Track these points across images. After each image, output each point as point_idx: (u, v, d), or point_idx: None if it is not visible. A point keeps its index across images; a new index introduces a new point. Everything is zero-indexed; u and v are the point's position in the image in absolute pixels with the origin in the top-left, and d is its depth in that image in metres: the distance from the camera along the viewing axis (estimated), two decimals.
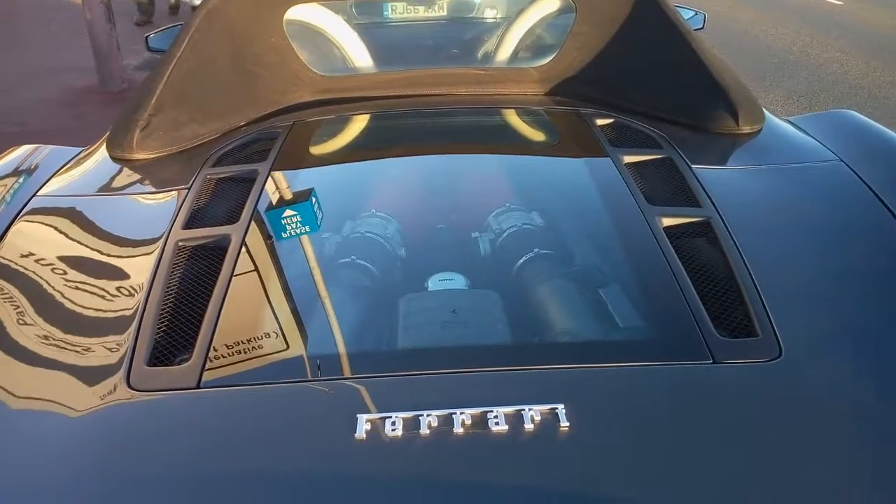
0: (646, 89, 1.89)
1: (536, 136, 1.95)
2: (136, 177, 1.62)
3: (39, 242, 1.34)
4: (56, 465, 0.89)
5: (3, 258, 1.28)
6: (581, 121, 1.80)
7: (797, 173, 1.51)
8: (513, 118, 1.96)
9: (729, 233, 1.26)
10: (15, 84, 5.35)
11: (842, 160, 1.52)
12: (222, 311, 1.11)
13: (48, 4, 7.74)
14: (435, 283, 1.26)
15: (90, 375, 1.02)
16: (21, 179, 1.56)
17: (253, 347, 1.08)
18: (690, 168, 1.49)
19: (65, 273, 1.25)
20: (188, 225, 1.34)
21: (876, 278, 1.20)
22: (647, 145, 1.64)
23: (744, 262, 1.19)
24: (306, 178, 1.62)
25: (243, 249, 1.25)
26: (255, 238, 1.31)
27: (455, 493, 0.83)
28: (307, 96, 2.00)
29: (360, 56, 2.14)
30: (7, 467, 0.89)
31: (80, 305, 1.17)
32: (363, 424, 0.88)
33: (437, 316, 1.17)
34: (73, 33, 6.19)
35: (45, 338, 1.10)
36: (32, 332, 1.11)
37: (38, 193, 1.50)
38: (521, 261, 1.31)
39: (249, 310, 1.18)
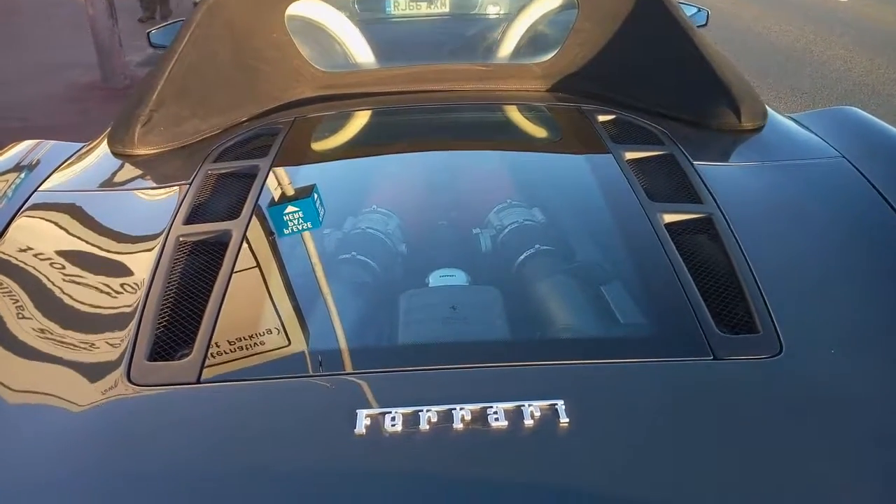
0: (648, 85, 1.89)
1: (538, 132, 1.95)
2: (138, 172, 1.62)
3: (41, 237, 1.35)
4: (57, 460, 0.89)
5: (5, 253, 1.28)
6: (583, 117, 1.79)
7: (799, 170, 1.51)
8: (515, 114, 1.96)
9: (730, 229, 1.26)
10: (18, 80, 5.36)
11: (844, 157, 1.51)
12: (223, 307, 1.11)
13: (50, 0, 7.75)
14: (436, 279, 1.26)
15: (91, 370, 1.02)
16: (23, 174, 1.56)
17: (253, 343, 1.08)
18: (692, 164, 1.49)
19: (66, 268, 1.25)
20: (189, 220, 1.34)
21: (877, 275, 1.19)
22: (648, 142, 1.63)
23: (745, 258, 1.18)
24: (307, 174, 1.62)
25: (244, 245, 1.25)
26: (255, 234, 1.31)
27: (454, 488, 0.83)
28: (308, 92, 2.00)
29: (361, 52, 2.14)
30: (8, 461, 0.89)
31: (81, 300, 1.17)
32: (363, 420, 0.88)
33: (438, 312, 1.17)
34: (76, 29, 6.20)
35: (46, 332, 1.10)
36: (33, 327, 1.11)
37: (39, 188, 1.50)
38: (522, 257, 1.31)
39: (250, 305, 1.18)
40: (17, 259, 1.27)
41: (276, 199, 1.44)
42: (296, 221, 1.36)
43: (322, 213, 1.42)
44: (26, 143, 1.74)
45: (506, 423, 0.87)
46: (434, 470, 0.85)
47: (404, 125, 1.92)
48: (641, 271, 1.26)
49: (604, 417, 0.92)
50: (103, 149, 1.71)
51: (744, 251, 1.20)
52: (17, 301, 1.17)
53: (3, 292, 1.18)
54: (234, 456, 0.88)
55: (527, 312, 1.22)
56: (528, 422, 0.87)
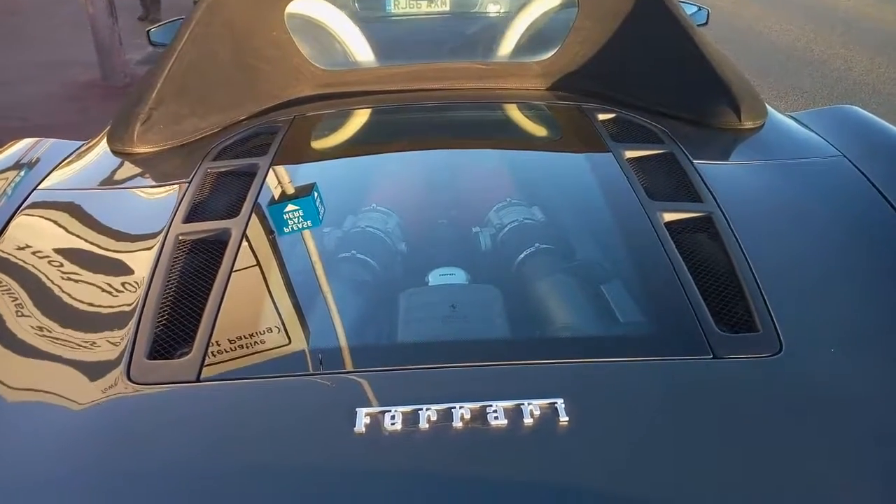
0: (648, 84, 1.89)
1: (538, 130, 1.95)
2: (137, 170, 1.62)
3: (40, 236, 1.35)
4: (56, 458, 0.89)
5: (4, 251, 1.28)
6: (583, 115, 1.79)
7: (799, 169, 1.51)
8: (514, 113, 1.96)
9: (730, 228, 1.26)
10: (17, 78, 5.36)
11: (844, 156, 1.51)
12: (222, 305, 1.11)
13: None
14: (435, 277, 1.26)
15: (90, 368, 1.02)
16: (22, 173, 1.56)
17: (253, 341, 1.08)
18: (692, 163, 1.49)
19: (65, 266, 1.25)
20: (188, 219, 1.34)
21: (877, 274, 1.19)
22: (648, 140, 1.63)
23: (745, 257, 1.18)
24: (307, 172, 1.62)
25: (243, 243, 1.25)
26: (255, 232, 1.31)
27: (454, 487, 0.83)
28: (308, 90, 2.00)
29: (361, 50, 2.14)
30: (8, 460, 0.89)
31: (80, 299, 1.17)
32: (362, 418, 0.88)
33: (438, 310, 1.17)
34: (76, 28, 6.19)
35: (46, 331, 1.10)
36: (33, 326, 1.11)
37: (38, 187, 1.50)
38: (522, 256, 1.31)
39: (249, 303, 1.18)
40: (16, 257, 1.27)
41: (276, 197, 1.44)
42: (295, 220, 1.36)
43: (321, 211, 1.42)
44: (26, 142, 1.74)
45: (505, 421, 0.87)
46: (434, 469, 0.85)
47: (404, 124, 1.91)
48: (641, 270, 1.26)
49: (603, 416, 0.92)
50: (103, 147, 1.71)
51: (743, 250, 1.20)
52: (17, 299, 1.16)
53: (2, 291, 1.18)
54: (233, 454, 0.88)
55: (526, 311, 1.22)
56: (528, 420, 0.87)
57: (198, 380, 0.98)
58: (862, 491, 0.84)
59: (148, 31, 2.35)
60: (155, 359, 1.02)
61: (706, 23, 2.42)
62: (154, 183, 1.57)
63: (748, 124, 1.70)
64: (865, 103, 4.78)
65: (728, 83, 1.74)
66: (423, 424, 0.87)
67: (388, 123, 1.93)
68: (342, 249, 1.35)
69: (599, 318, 1.19)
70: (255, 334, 1.10)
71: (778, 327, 1.04)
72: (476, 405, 0.89)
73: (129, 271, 1.22)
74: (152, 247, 1.25)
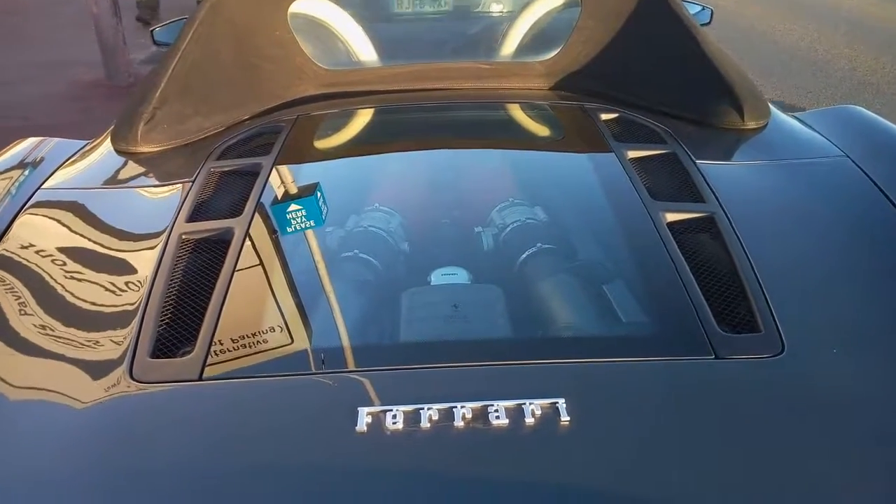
0: (651, 84, 1.88)
1: (541, 130, 1.95)
2: (141, 170, 1.63)
3: (44, 235, 1.35)
4: (59, 456, 0.89)
5: (8, 250, 1.28)
6: (585, 115, 1.79)
7: (802, 169, 1.51)
8: (517, 113, 1.96)
9: (733, 228, 1.25)
10: (21, 78, 5.37)
11: (848, 156, 1.51)
12: (225, 304, 1.11)
13: None
14: (438, 277, 1.26)
15: (93, 367, 1.02)
16: (26, 172, 1.57)
17: (255, 340, 1.08)
18: (695, 163, 1.49)
19: (69, 265, 1.26)
20: (192, 218, 1.34)
21: (880, 275, 1.19)
22: (651, 140, 1.63)
23: (747, 257, 1.18)
24: (310, 172, 1.62)
25: (246, 242, 1.25)
26: (258, 231, 1.31)
27: (455, 486, 0.83)
28: (311, 90, 2.00)
29: (364, 50, 2.14)
30: (11, 458, 0.90)
31: (83, 297, 1.17)
32: (364, 417, 0.88)
33: (440, 310, 1.17)
34: (79, 27, 6.20)
35: (50, 329, 1.10)
36: (37, 324, 1.11)
37: (42, 186, 1.50)
38: (524, 255, 1.31)
39: (252, 303, 1.18)
40: (20, 256, 1.27)
41: (279, 197, 1.44)
42: (298, 219, 1.37)
43: (324, 211, 1.42)
44: (30, 141, 1.74)
45: (506, 421, 0.87)
46: (435, 468, 0.85)
47: (407, 123, 1.92)
48: (643, 270, 1.26)
49: (605, 416, 0.92)
50: (106, 146, 1.71)
51: (746, 250, 1.20)
52: (21, 298, 1.17)
53: (6, 289, 1.19)
54: (235, 453, 0.88)
55: (528, 311, 1.22)
56: (529, 420, 0.87)
57: (200, 378, 0.98)
58: (864, 491, 0.84)
59: (152, 31, 2.36)
60: (158, 357, 1.03)
61: (709, 22, 2.42)
62: (157, 182, 1.58)
63: (751, 124, 1.70)
64: (870, 103, 4.77)
65: (731, 83, 1.73)
66: (425, 424, 0.87)
67: (391, 123, 1.93)
68: (345, 249, 1.35)
69: (601, 318, 1.19)
70: (257, 333, 1.10)
71: (780, 328, 1.04)
72: (477, 405, 0.89)
73: (133, 270, 1.22)
74: (155, 246, 1.26)
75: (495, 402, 0.89)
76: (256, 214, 1.33)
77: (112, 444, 0.90)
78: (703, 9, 2.46)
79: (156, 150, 1.69)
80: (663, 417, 0.92)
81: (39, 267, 1.25)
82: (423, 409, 0.89)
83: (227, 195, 1.44)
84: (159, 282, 1.16)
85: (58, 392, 0.99)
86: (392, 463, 0.85)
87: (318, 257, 1.34)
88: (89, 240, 1.33)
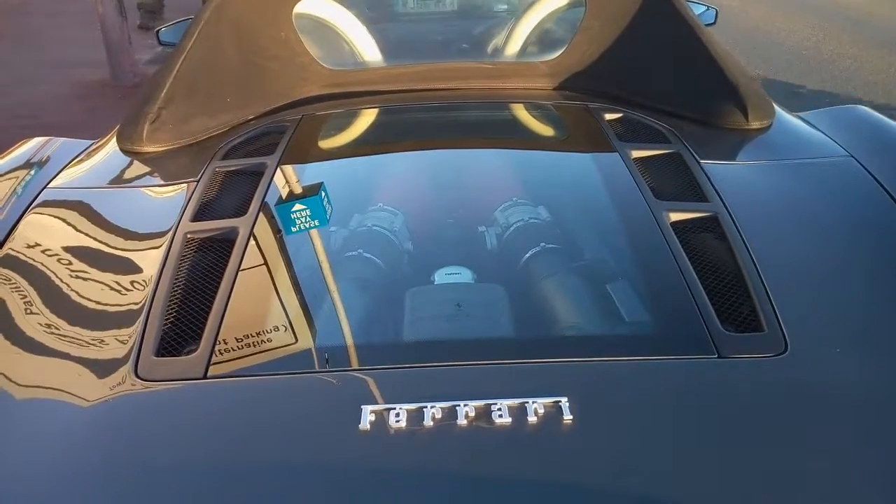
0: (655, 84, 1.88)
1: (545, 130, 1.95)
2: (146, 169, 1.63)
3: (50, 234, 1.36)
4: (64, 454, 0.90)
5: (15, 249, 1.29)
6: (589, 115, 1.79)
7: (807, 169, 1.50)
8: (521, 112, 1.96)
9: (737, 228, 1.25)
10: (29, 78, 5.39)
11: (852, 156, 1.51)
12: (229, 303, 1.11)
13: None
14: (441, 276, 1.27)
15: (99, 365, 1.03)
16: (32, 171, 1.58)
17: (259, 339, 1.09)
18: (699, 163, 1.49)
19: (75, 264, 1.26)
20: (196, 217, 1.35)
21: (884, 275, 1.19)
22: (655, 140, 1.63)
23: (751, 257, 1.18)
24: (314, 171, 1.62)
25: (251, 242, 1.26)
26: (262, 231, 1.31)
27: (458, 484, 0.83)
28: (316, 90, 2.00)
29: (369, 50, 2.14)
30: (17, 456, 0.90)
31: (89, 296, 1.18)
32: (367, 416, 0.89)
33: (443, 309, 1.17)
34: (85, 27, 6.22)
35: (55, 328, 1.11)
36: (42, 322, 1.12)
37: (48, 185, 1.51)
38: (528, 255, 1.31)
39: (256, 302, 1.19)
40: (26, 255, 1.28)
41: (284, 196, 1.45)
42: (303, 219, 1.37)
43: (329, 210, 1.42)
44: (36, 141, 1.75)
45: (509, 419, 0.88)
46: (438, 466, 0.85)
47: (411, 123, 1.92)
48: (647, 269, 1.26)
49: (608, 415, 0.92)
50: (112, 146, 1.72)
51: (750, 250, 1.20)
52: (27, 297, 1.18)
53: (13, 288, 1.19)
54: (240, 451, 0.89)
55: (532, 310, 1.23)
56: (532, 419, 0.88)
57: (205, 377, 0.99)
58: (866, 490, 0.84)
59: (157, 31, 2.37)
60: (162, 356, 1.03)
61: (714, 22, 2.42)
62: (163, 182, 1.58)
63: (755, 124, 1.70)
64: (876, 104, 4.75)
65: (735, 83, 1.73)
66: (428, 422, 0.88)
67: (395, 123, 1.93)
68: (349, 248, 1.35)
69: (604, 317, 1.19)
70: (261, 332, 1.11)
71: (783, 327, 1.04)
72: (480, 403, 0.89)
73: (138, 269, 1.23)
74: (161, 245, 1.26)
75: (498, 401, 0.90)
76: (261, 214, 1.34)
77: (117, 442, 0.91)
78: (708, 9, 2.46)
79: (161, 149, 1.70)
80: (666, 416, 0.93)
81: (45, 266, 1.25)
82: (426, 407, 0.89)
83: (232, 195, 1.45)
84: (164, 281, 1.16)
85: (63, 390, 0.99)
86: (395, 461, 0.86)
87: (322, 257, 1.35)
88: (95, 239, 1.34)
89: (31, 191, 1.48)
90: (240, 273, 1.18)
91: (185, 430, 0.93)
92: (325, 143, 1.80)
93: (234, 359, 1.04)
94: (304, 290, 1.24)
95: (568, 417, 0.88)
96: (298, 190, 1.49)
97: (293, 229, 1.36)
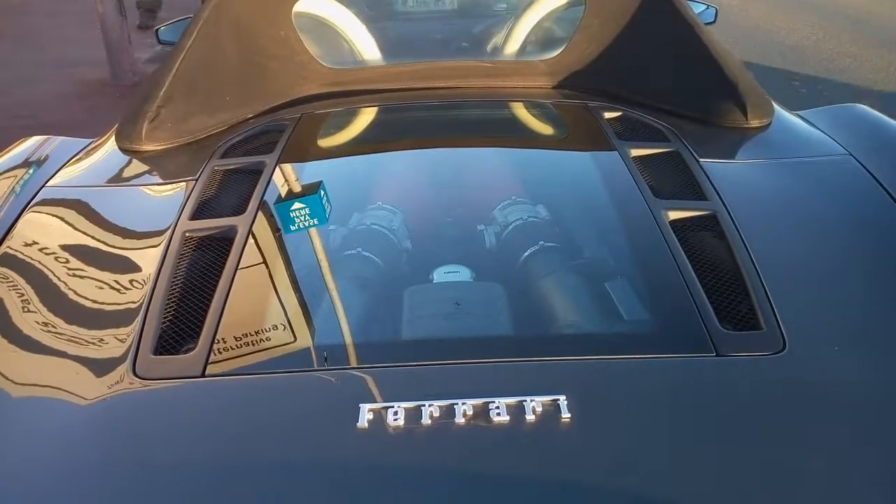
0: (654, 83, 1.88)
1: (544, 129, 1.95)
2: (145, 168, 1.63)
3: (48, 232, 1.36)
4: (63, 452, 0.90)
5: (13, 248, 1.29)
6: (589, 114, 1.79)
7: (805, 167, 1.50)
8: (521, 111, 1.96)
9: (735, 227, 1.25)
10: (27, 77, 5.39)
11: (851, 154, 1.51)
12: (228, 302, 1.11)
13: None
14: (440, 275, 1.27)
15: (97, 364, 1.03)
16: (31, 170, 1.58)
17: (257, 337, 1.09)
18: (698, 162, 1.49)
19: (73, 263, 1.26)
20: (195, 216, 1.35)
21: (882, 273, 1.19)
22: (654, 139, 1.63)
23: (749, 255, 1.18)
24: (313, 170, 1.62)
25: (250, 240, 1.26)
26: (261, 229, 1.31)
27: (456, 483, 0.83)
28: (315, 89, 2.00)
29: (368, 49, 2.14)
30: (15, 454, 0.90)
31: (87, 295, 1.18)
32: (366, 414, 0.88)
33: (442, 308, 1.17)
34: (85, 27, 6.22)
35: (54, 326, 1.11)
36: (41, 321, 1.12)
37: (47, 184, 1.51)
38: (527, 253, 1.31)
39: (254, 300, 1.19)
40: (25, 254, 1.28)
41: (283, 195, 1.45)
42: (302, 218, 1.37)
43: (328, 209, 1.42)
44: (35, 139, 1.75)
45: (508, 418, 0.88)
46: (436, 464, 0.85)
47: (410, 122, 1.92)
48: (645, 268, 1.26)
49: (605, 413, 0.92)
50: (111, 145, 1.72)
51: (748, 248, 1.20)
52: (25, 295, 1.18)
53: (11, 287, 1.19)
54: (238, 449, 0.89)
55: (530, 308, 1.23)
56: (530, 417, 0.88)
57: (203, 375, 0.99)
58: (863, 488, 0.84)
59: (157, 30, 2.37)
60: (161, 354, 1.03)
61: (714, 21, 2.41)
62: (162, 180, 1.58)
63: (755, 123, 1.69)
64: (874, 102, 4.75)
65: (735, 82, 1.73)
66: (426, 420, 0.88)
67: (394, 122, 1.93)
68: (348, 247, 1.35)
69: (603, 315, 1.19)
70: (259, 331, 1.11)
71: (781, 325, 1.04)
72: (478, 401, 0.89)
73: (136, 268, 1.23)
74: (159, 244, 1.26)
75: (496, 399, 0.90)
76: (260, 212, 1.34)
77: (115, 441, 0.91)
78: (708, 7, 2.46)
79: (160, 148, 1.69)
80: (664, 415, 0.93)
81: (44, 264, 1.25)
82: (424, 405, 0.89)
83: (231, 193, 1.45)
84: (163, 279, 1.16)
85: (61, 388, 0.99)
86: (393, 459, 0.86)
87: (321, 255, 1.35)
88: (93, 237, 1.34)
89: (29, 189, 1.48)
90: (238, 272, 1.18)
91: (183, 429, 0.93)
92: (325, 142, 1.80)
93: (232, 357, 1.04)
94: (302, 289, 1.24)
95: (566, 416, 0.88)
96: (297, 188, 1.49)
97: (292, 228, 1.36)
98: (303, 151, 1.68)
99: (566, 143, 1.83)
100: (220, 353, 1.03)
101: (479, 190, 1.59)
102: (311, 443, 0.89)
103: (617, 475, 0.84)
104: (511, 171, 1.67)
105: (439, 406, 0.89)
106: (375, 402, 0.91)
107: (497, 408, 0.89)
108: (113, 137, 1.74)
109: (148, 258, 1.23)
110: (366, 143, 1.86)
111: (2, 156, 1.66)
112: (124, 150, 1.69)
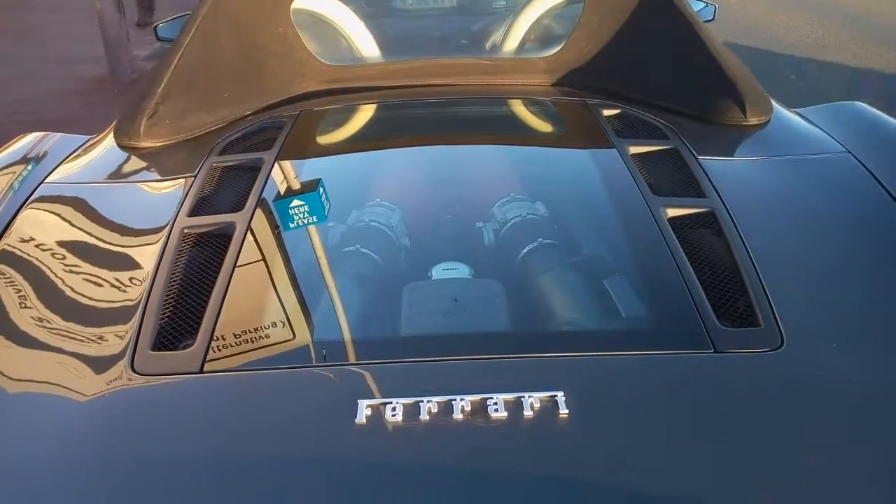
0: (653, 80, 1.88)
1: (543, 126, 1.95)
2: (143, 164, 1.63)
3: (47, 229, 1.36)
4: (61, 448, 0.90)
5: (11, 244, 1.29)
6: (588, 111, 1.79)
7: (804, 165, 1.50)
8: (520, 108, 1.96)
9: (734, 224, 1.26)
10: (27, 73, 5.39)
11: (849, 152, 1.51)
12: (226, 298, 1.11)
13: None
14: (439, 271, 1.27)
15: (95, 360, 1.03)
16: (29, 167, 1.57)
17: (256, 334, 1.09)
18: (697, 159, 1.49)
19: (71, 259, 1.26)
20: (194, 212, 1.35)
21: (880, 270, 1.19)
22: (653, 136, 1.63)
23: (748, 252, 1.18)
24: (311, 167, 1.62)
25: (248, 237, 1.26)
26: (259, 226, 1.31)
27: (454, 478, 0.83)
28: (314, 86, 2.00)
29: (367, 46, 2.14)
30: (13, 451, 0.90)
31: (86, 291, 1.18)
32: (364, 410, 0.89)
33: (440, 304, 1.17)
34: (88, 23, 6.21)
35: (52, 323, 1.11)
36: (39, 317, 1.12)
37: (45, 181, 1.51)
38: (525, 250, 1.31)
39: (253, 297, 1.19)
40: (23, 250, 1.28)
41: (281, 192, 1.45)
42: (300, 215, 1.37)
43: (326, 206, 1.42)
44: (33, 136, 1.75)
45: (505, 414, 0.88)
46: (434, 460, 0.86)
47: (409, 119, 1.92)
48: (644, 265, 1.26)
49: (603, 409, 0.92)
50: (109, 141, 1.72)
51: (747, 245, 1.20)
52: (23, 292, 1.18)
53: (9, 283, 1.19)
54: (235, 445, 0.89)
55: (529, 305, 1.23)
56: (528, 413, 0.88)
57: (201, 371, 0.99)
58: (861, 485, 0.84)
59: (155, 26, 2.37)
60: (159, 350, 1.03)
61: (713, 19, 2.41)
62: (160, 177, 1.58)
63: (753, 120, 1.70)
64: (873, 100, 4.75)
65: (734, 79, 1.73)
66: (424, 416, 0.88)
67: (393, 119, 1.93)
68: (346, 244, 1.35)
69: (601, 312, 1.19)
70: (258, 327, 1.11)
71: (779, 322, 1.04)
72: (477, 398, 0.90)
73: (135, 264, 1.23)
74: (158, 240, 1.26)
75: (494, 396, 0.90)
76: (258, 209, 1.34)
77: (113, 436, 0.91)
78: (707, 5, 2.46)
79: (158, 145, 1.69)
80: (662, 411, 0.93)
81: (42, 261, 1.25)
82: (422, 401, 0.89)
83: (230, 190, 1.45)
84: (161, 275, 1.16)
85: (60, 384, 1.00)
86: (391, 455, 0.86)
87: (319, 252, 1.35)
88: (92, 234, 1.34)
89: (27, 186, 1.48)
90: (237, 268, 1.18)
91: (181, 424, 0.93)
92: (323, 139, 1.80)
93: (230, 353, 1.04)
94: (300, 285, 1.24)
95: (564, 412, 0.88)
96: (296, 185, 1.49)
97: (290, 225, 1.36)
98: (301, 148, 1.68)
99: (565, 141, 1.83)
100: (218, 349, 1.03)
101: (477, 187, 1.59)
102: (310, 439, 0.89)
103: (615, 471, 0.84)
104: (510, 168, 1.67)
105: (437, 402, 0.89)
106: (373, 398, 0.91)
107: (495, 404, 0.89)
108: (111, 134, 1.73)
109: (146, 254, 1.23)
110: (364, 141, 1.86)
111: (0, 152, 1.66)
112: (123, 147, 1.69)
